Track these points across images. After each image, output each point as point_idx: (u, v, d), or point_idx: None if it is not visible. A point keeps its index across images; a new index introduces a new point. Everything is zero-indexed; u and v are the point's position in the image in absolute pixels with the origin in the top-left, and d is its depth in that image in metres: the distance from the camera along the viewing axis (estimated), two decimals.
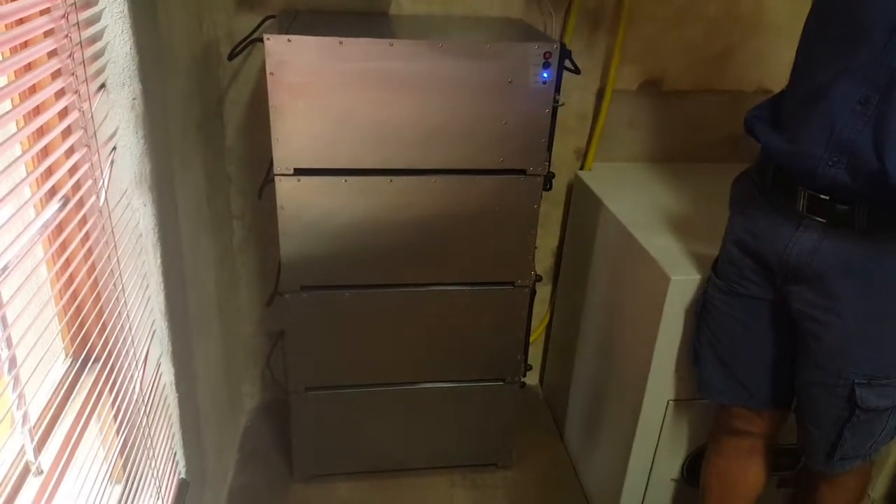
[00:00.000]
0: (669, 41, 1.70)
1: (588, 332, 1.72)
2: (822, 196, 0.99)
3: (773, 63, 1.71)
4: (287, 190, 1.37)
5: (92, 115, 0.84)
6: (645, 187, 1.68)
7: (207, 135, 1.48)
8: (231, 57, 1.45)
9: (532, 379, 2.10)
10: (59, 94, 0.79)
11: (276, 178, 1.36)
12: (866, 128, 0.93)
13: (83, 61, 0.81)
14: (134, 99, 0.95)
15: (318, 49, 1.28)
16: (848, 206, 0.98)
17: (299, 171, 1.36)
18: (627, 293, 1.49)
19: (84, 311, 0.90)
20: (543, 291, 1.95)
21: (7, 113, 0.67)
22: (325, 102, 1.31)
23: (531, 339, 1.77)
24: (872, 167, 0.92)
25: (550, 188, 1.52)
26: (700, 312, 1.23)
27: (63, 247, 0.84)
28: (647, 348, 1.33)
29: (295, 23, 1.42)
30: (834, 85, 0.96)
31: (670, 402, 1.38)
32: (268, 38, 1.26)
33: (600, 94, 1.73)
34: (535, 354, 2.03)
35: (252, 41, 1.43)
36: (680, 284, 1.26)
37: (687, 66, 1.73)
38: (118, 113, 0.93)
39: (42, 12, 0.74)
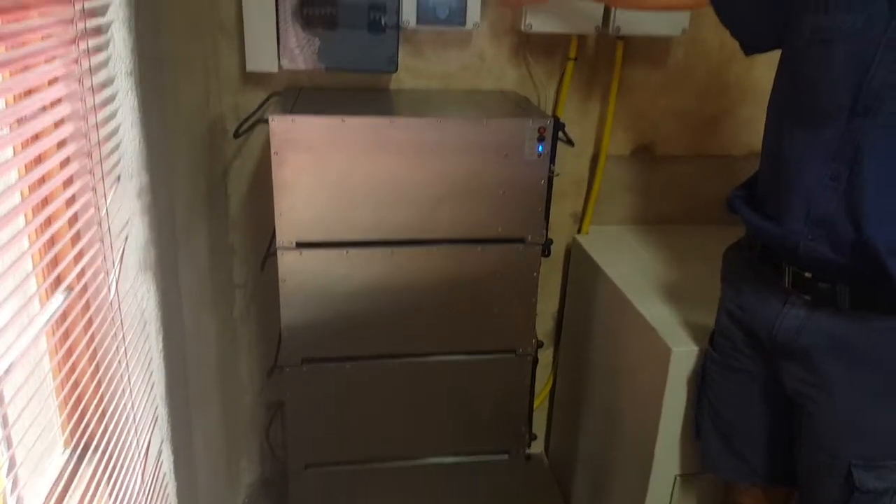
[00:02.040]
0: (660, 108, 1.75)
1: (592, 399, 1.71)
2: (806, 273, 1.01)
3: (763, 128, 1.76)
4: (289, 263, 1.39)
5: (107, 211, 0.86)
6: (641, 251, 1.70)
7: (211, 206, 1.51)
8: (237, 135, 1.49)
9: (537, 447, 2.07)
10: (77, 195, 0.81)
11: (279, 252, 1.38)
12: (841, 202, 0.96)
13: (101, 159, 0.83)
14: (141, 188, 0.98)
15: (321, 128, 1.32)
16: (830, 284, 0.99)
17: (301, 245, 1.38)
18: (629, 361, 1.50)
19: (85, 402, 0.90)
20: (546, 355, 1.95)
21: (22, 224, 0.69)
22: (328, 178, 1.34)
23: (535, 405, 1.76)
24: (851, 238, 0.95)
25: (549, 254, 1.54)
26: (700, 385, 1.24)
27: (67, 337, 0.85)
28: (653, 421, 1.33)
29: (299, 100, 1.47)
30: (805, 162, 0.99)
31: (678, 476, 1.36)
32: (272, 119, 1.30)
33: (594, 160, 1.78)
34: (539, 421, 2.01)
35: (257, 121, 1.48)
36: (681, 356, 1.27)
37: (678, 131, 1.78)
38: (127, 203, 0.95)
39: (65, 119, 0.77)
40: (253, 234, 1.70)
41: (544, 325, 1.92)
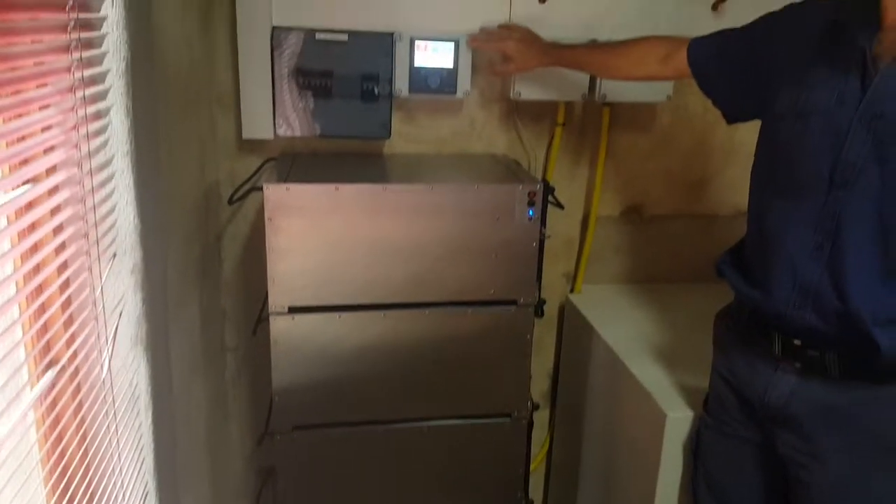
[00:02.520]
0: (648, 170, 1.79)
1: (589, 463, 1.69)
2: (795, 341, 1.02)
3: (748, 189, 1.80)
4: (281, 328, 1.39)
5: (102, 290, 0.86)
6: (633, 310, 1.71)
7: (205, 271, 1.52)
8: (231, 202, 1.51)
9: None
10: (72, 277, 0.81)
11: (271, 317, 1.38)
12: (825, 271, 0.97)
13: (97, 240, 0.84)
14: (135, 264, 0.98)
15: (315, 195, 1.34)
16: (818, 352, 1.00)
17: (294, 310, 1.39)
18: (625, 424, 1.49)
19: (76, 483, 0.88)
20: (542, 416, 1.93)
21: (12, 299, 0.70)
22: (322, 243, 1.36)
23: (532, 468, 1.73)
24: (837, 308, 0.96)
25: (542, 315, 1.54)
26: (694, 450, 1.23)
27: (57, 422, 0.84)
28: (650, 486, 1.31)
29: (294, 167, 1.50)
30: (788, 232, 1.01)
31: None
32: (267, 187, 1.32)
33: (585, 221, 1.81)
34: (536, 484, 1.98)
35: (251, 189, 1.50)
36: (676, 421, 1.27)
37: (666, 192, 1.81)
38: (121, 280, 0.96)
39: (62, 205, 0.78)
40: (245, 297, 1.70)
41: (540, 385, 1.91)
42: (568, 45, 1.48)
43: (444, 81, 1.57)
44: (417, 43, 1.54)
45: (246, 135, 1.55)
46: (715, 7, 1.59)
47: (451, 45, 1.55)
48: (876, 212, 0.93)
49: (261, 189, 1.32)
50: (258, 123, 1.54)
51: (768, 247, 1.05)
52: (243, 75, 1.51)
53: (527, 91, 1.60)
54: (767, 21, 1.15)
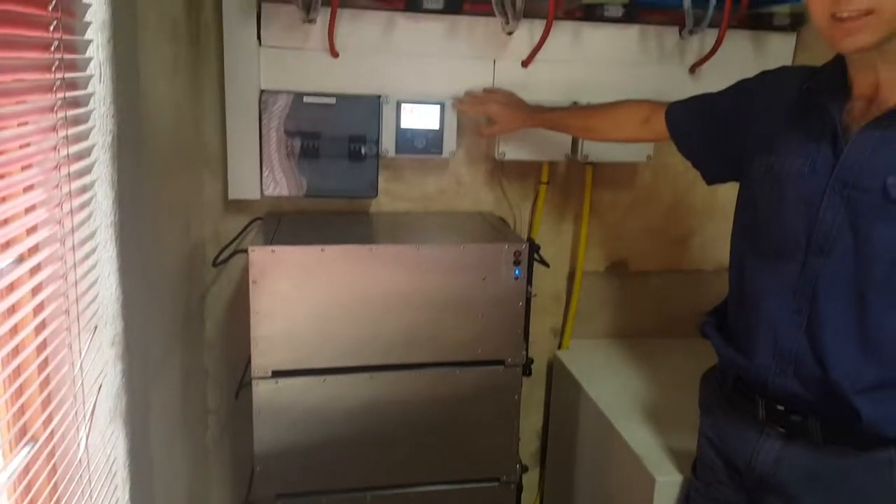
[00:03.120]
0: (631, 227, 1.81)
1: None
2: (779, 406, 1.02)
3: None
4: (264, 393, 1.37)
5: (81, 366, 0.85)
6: (621, 367, 1.71)
7: (187, 332, 1.49)
8: (216, 264, 1.50)
9: None
10: (51, 356, 0.80)
11: (254, 382, 1.36)
12: (805, 337, 0.97)
13: (78, 315, 0.83)
14: (116, 335, 0.97)
15: (301, 257, 1.34)
16: (801, 417, 1.00)
17: (277, 374, 1.36)
18: (614, 487, 1.46)
19: None
20: (532, 477, 1.90)
21: None
22: (307, 306, 1.35)
23: None
24: (818, 375, 0.96)
25: (530, 374, 1.53)
26: None
27: (32, 503, 0.81)
28: None
29: (280, 227, 1.50)
30: (768, 296, 1.01)
31: None
32: (252, 249, 1.32)
33: (571, 277, 1.81)
34: None
35: (236, 251, 1.49)
36: (666, 486, 1.25)
37: (649, 248, 1.83)
38: (102, 353, 0.94)
39: (44, 283, 0.77)
40: (229, 357, 1.67)
41: (529, 445, 1.88)
42: (550, 107, 1.52)
43: (430, 142, 1.59)
44: (404, 106, 1.57)
45: (232, 195, 1.55)
46: (692, 70, 1.64)
47: (437, 107, 1.58)
48: (851, 280, 0.94)
49: (246, 251, 1.32)
50: (245, 184, 1.55)
51: (749, 310, 1.06)
52: (231, 136, 1.52)
53: (511, 151, 1.63)
54: (743, 87, 1.18)
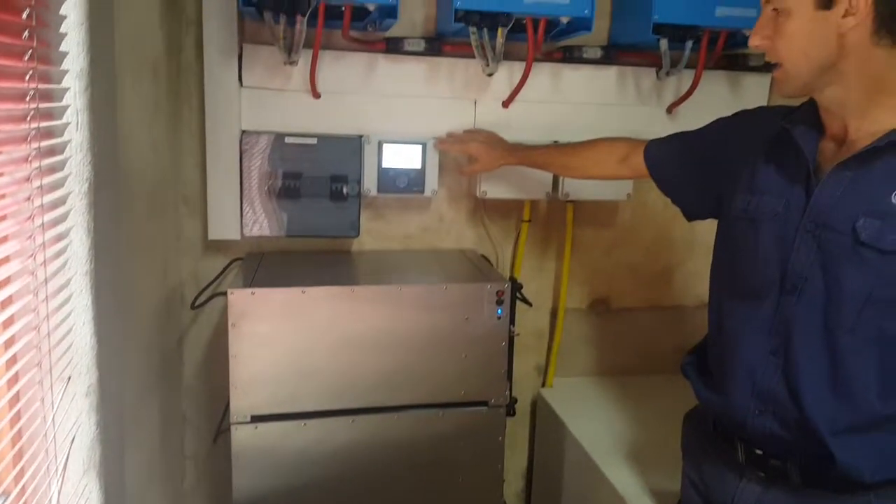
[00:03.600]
0: (612, 264, 1.82)
1: None
2: (757, 450, 1.01)
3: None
4: (243, 438, 1.33)
5: (53, 419, 0.82)
6: (605, 405, 1.70)
7: (165, 376, 1.46)
8: (194, 306, 1.47)
9: None
10: (23, 409, 0.77)
11: (232, 427, 1.33)
12: (782, 377, 0.97)
13: (51, 367, 0.81)
14: (90, 385, 0.94)
15: (281, 299, 1.32)
16: (781, 461, 0.99)
17: (256, 419, 1.33)
18: None
19: None
20: None
21: None
22: (287, 349, 1.33)
23: None
24: (794, 415, 0.96)
25: (514, 414, 1.51)
26: None
27: None
28: None
29: (260, 268, 1.48)
30: (746, 335, 1.01)
31: None
32: (231, 292, 1.30)
33: (554, 314, 1.81)
34: None
35: (215, 294, 1.47)
36: None
37: (631, 285, 1.84)
38: (76, 404, 0.91)
39: (17, 336, 0.75)
40: (207, 401, 1.63)
41: (514, 485, 1.86)
42: (531, 146, 1.53)
43: (412, 181, 1.60)
44: (386, 146, 1.57)
45: (212, 235, 1.54)
46: (669, 110, 1.67)
47: (419, 147, 1.59)
48: (822, 321, 0.94)
49: (225, 293, 1.30)
50: (225, 224, 1.53)
51: (727, 351, 1.06)
52: (211, 177, 1.51)
53: (493, 190, 1.63)
54: (720, 125, 1.20)
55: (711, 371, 1.10)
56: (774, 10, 0.93)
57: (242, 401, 1.32)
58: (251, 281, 1.36)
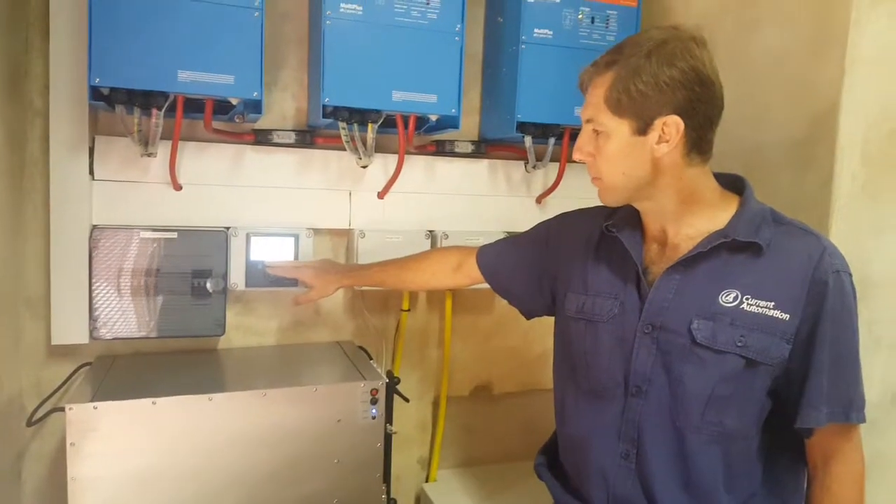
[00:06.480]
0: (492, 350, 1.82)
1: None
2: None
3: None
4: None
5: None
6: (489, 497, 1.66)
7: None
8: (30, 423, 1.31)
9: None
10: None
11: None
12: (636, 482, 0.98)
13: None
14: None
15: (129, 412, 1.20)
16: None
17: None
18: None
19: None
20: None
21: None
22: (135, 468, 1.20)
23: None
24: None
25: None
26: None
27: None
28: None
29: (110, 374, 1.36)
30: (596, 438, 1.02)
31: None
32: (70, 408, 1.17)
33: (437, 403, 1.78)
34: None
35: (53, 410, 1.32)
36: None
37: (511, 370, 1.84)
38: None
39: None
40: None
41: None
42: (365, 265, 1.49)
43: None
44: (254, 238, 1.51)
45: (55, 340, 1.39)
46: (539, 200, 1.73)
47: (291, 239, 1.54)
48: (670, 421, 0.96)
49: (63, 409, 1.17)
50: (71, 327, 1.40)
51: (579, 453, 1.05)
52: (55, 277, 1.38)
53: None
54: (543, 228, 1.25)
55: (567, 472, 1.09)
56: (595, 130, 0.97)
57: None
58: (96, 392, 1.23)
